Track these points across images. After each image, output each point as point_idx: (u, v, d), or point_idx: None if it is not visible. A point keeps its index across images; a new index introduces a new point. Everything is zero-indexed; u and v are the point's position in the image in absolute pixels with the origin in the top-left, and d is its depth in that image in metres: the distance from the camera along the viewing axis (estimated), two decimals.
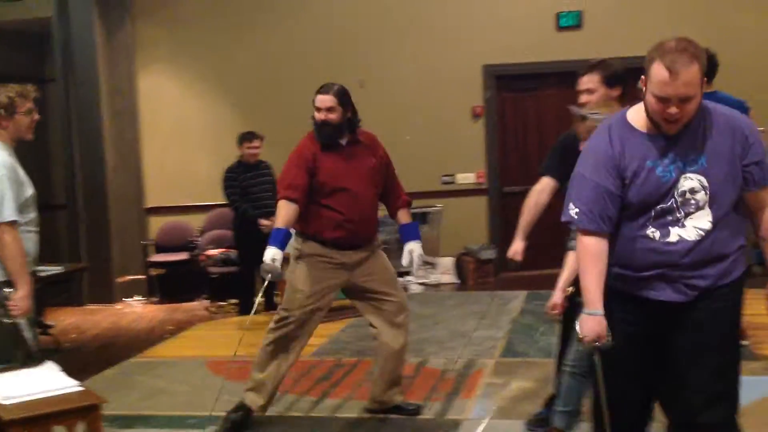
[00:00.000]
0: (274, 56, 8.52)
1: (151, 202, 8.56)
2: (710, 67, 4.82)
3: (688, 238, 2.49)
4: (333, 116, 4.00)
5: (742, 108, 4.87)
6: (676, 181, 2.47)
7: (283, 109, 8.44)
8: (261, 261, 7.14)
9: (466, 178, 8.53)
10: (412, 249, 4.16)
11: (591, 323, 2.55)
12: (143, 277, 8.11)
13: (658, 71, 2.38)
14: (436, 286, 8.05)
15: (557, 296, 3.48)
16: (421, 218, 7.99)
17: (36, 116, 3.61)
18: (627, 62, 3.80)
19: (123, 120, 8.35)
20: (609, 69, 3.61)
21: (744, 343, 4.99)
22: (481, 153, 8.54)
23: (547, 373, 4.50)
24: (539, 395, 4.25)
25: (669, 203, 2.48)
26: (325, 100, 4.00)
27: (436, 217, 8.18)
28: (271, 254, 3.83)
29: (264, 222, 6.71)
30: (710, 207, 2.47)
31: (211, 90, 8.61)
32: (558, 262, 3.61)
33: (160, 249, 8.21)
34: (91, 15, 8.16)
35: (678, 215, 2.49)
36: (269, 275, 3.84)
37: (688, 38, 2.44)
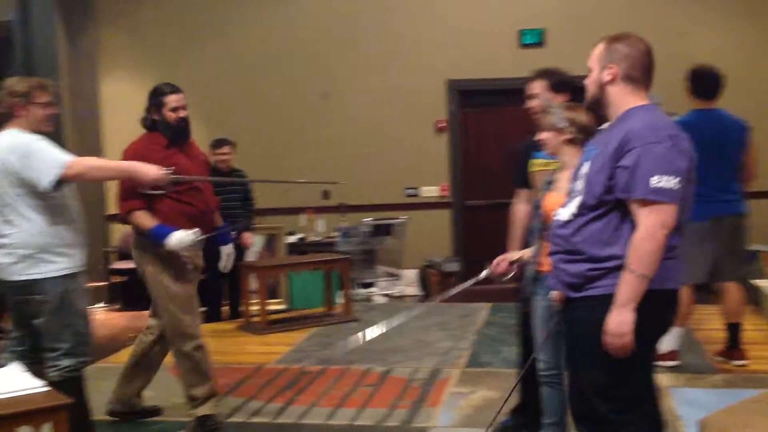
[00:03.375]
0: (238, 65, 8.51)
1: (113, 208, 8.45)
2: (708, 84, 4.91)
3: (563, 218, 2.61)
4: (187, 113, 4.15)
5: (741, 128, 4.94)
6: (583, 164, 2.63)
7: (248, 117, 8.43)
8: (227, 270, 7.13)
9: (429, 191, 8.60)
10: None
11: None
12: (105, 284, 8.00)
13: None
14: (400, 297, 8.07)
15: None
16: (384, 230, 8.03)
17: (52, 110, 3.60)
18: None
19: (85, 126, 8.24)
20: (555, 76, 3.72)
21: (671, 364, 4.98)
22: (444, 166, 8.61)
23: (512, 382, 4.54)
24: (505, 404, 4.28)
25: (574, 184, 2.64)
26: (181, 98, 4.12)
27: (400, 229, 8.21)
28: (178, 236, 3.91)
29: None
30: (582, 194, 2.56)
31: None
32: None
33: (123, 256, 8.11)
34: (52, 19, 8.05)
35: (571, 197, 2.63)
36: (185, 249, 3.94)
37: (628, 33, 2.65)
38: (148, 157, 3.89)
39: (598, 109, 2.69)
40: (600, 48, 2.63)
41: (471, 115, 8.77)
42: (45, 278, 3.44)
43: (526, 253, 3.42)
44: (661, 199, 2.39)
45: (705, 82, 4.96)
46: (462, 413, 4.35)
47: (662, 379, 4.70)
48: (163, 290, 4.02)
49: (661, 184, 2.39)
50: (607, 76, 2.58)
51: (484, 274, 3.39)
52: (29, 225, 3.42)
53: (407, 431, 4.13)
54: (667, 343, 4.83)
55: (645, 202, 2.40)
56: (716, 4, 8.46)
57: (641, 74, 2.58)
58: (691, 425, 3.85)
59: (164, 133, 4.08)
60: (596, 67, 2.62)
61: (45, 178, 3.36)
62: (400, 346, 5.86)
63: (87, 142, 8.21)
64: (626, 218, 2.48)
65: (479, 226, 8.23)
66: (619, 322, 2.42)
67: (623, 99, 2.57)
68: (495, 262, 3.35)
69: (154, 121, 4.10)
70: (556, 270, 2.65)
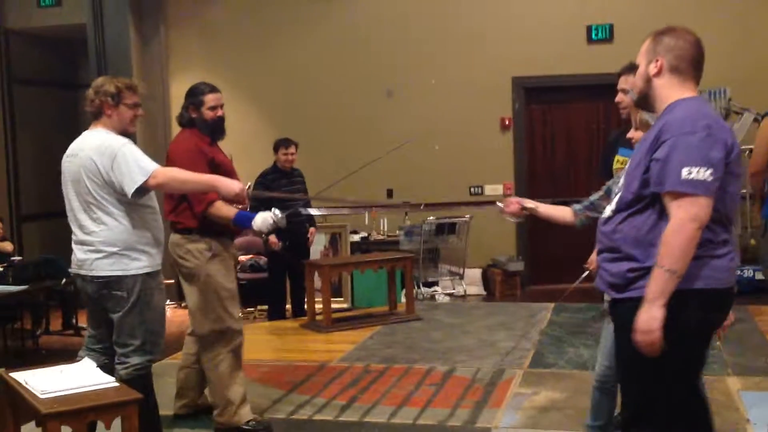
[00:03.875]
0: (304, 65, 8.60)
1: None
2: None
3: (605, 214, 2.62)
4: (223, 112, 4.17)
5: None
6: (628, 162, 2.65)
7: (312, 117, 8.52)
8: (291, 267, 7.14)
9: (494, 190, 8.54)
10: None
11: None
12: (172, 282, 8.15)
13: None
14: (463, 296, 8.04)
15: None
16: (449, 228, 8.01)
17: (140, 111, 3.67)
18: None
19: (155, 126, 8.45)
20: None
21: None
22: (509, 164, 8.55)
23: (576, 384, 4.49)
24: (569, 406, 4.23)
25: (620, 182, 2.65)
26: (220, 97, 4.14)
27: (463, 228, 8.18)
28: (263, 216, 3.88)
29: (273, 240, 6.63)
30: (621, 189, 2.57)
31: (242, 97, 8.70)
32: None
33: None
34: (126, 22, 8.29)
35: (614, 193, 2.67)
36: (270, 228, 3.90)
37: (675, 26, 2.61)
38: (201, 151, 3.99)
39: (646, 105, 2.61)
40: (647, 43, 2.57)
41: (537, 112, 8.69)
42: (128, 275, 3.52)
43: (543, 206, 3.33)
44: (692, 191, 2.31)
45: None
46: (525, 414, 4.31)
47: (733, 383, 4.59)
48: (213, 287, 4.03)
49: (692, 176, 2.30)
50: (653, 69, 2.52)
51: (496, 206, 3.41)
52: (116, 223, 3.51)
53: None
54: None
55: (676, 195, 2.33)
56: None
57: (688, 65, 2.51)
58: (762, 428, 3.77)
59: (202, 130, 4.11)
60: (643, 62, 2.56)
61: (129, 185, 3.43)
62: (464, 346, 5.85)
63: (157, 142, 8.42)
64: (664, 215, 2.40)
65: (544, 226, 8.08)
66: (647, 318, 2.33)
67: (669, 91, 2.50)
68: (508, 200, 3.34)
69: (192, 119, 4.13)
70: (600, 269, 2.60)
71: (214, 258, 4.05)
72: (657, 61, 2.51)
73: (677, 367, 2.44)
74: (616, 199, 2.59)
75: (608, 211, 2.61)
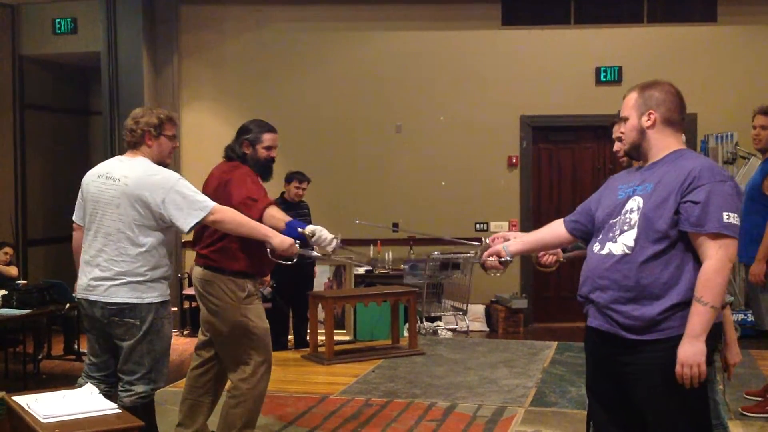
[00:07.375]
0: (313, 99, 8.67)
1: (187, 236, 8.66)
2: None
3: (615, 252, 2.63)
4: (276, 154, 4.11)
5: None
6: (626, 200, 2.68)
7: (321, 150, 8.58)
8: (294, 298, 7.14)
9: (499, 227, 8.55)
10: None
11: None
12: (176, 309, 8.17)
13: None
14: (466, 332, 8.03)
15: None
16: (453, 264, 8.02)
17: (177, 144, 3.72)
18: None
19: None
20: None
21: None
22: (515, 202, 8.59)
23: (577, 424, 4.47)
24: None
25: (616, 219, 2.68)
26: (276, 138, 4.06)
27: (467, 264, 8.18)
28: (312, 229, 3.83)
29: (266, 279, 6.61)
30: (637, 227, 2.60)
31: None
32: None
33: None
34: (139, 51, 8.40)
35: (615, 231, 2.66)
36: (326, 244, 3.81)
37: (657, 80, 2.75)
38: (255, 176, 3.94)
39: (638, 154, 2.76)
40: (633, 96, 2.73)
41: (544, 151, 8.75)
42: (143, 303, 3.53)
43: (531, 237, 3.20)
44: (731, 233, 2.51)
45: None
46: None
47: (735, 428, 4.56)
48: (244, 327, 3.89)
49: (731, 220, 2.51)
50: (647, 122, 2.68)
51: (474, 256, 3.27)
52: (140, 254, 3.51)
53: None
54: None
55: (717, 236, 2.50)
56: None
57: (678, 117, 2.70)
58: None
59: (253, 168, 3.98)
60: (633, 114, 2.71)
61: (187, 219, 3.46)
62: (466, 382, 5.83)
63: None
64: (687, 255, 2.55)
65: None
66: (695, 352, 2.48)
67: (665, 141, 2.69)
68: (488, 252, 3.10)
69: (245, 154, 3.99)
70: (607, 310, 2.62)
71: (248, 298, 3.92)
72: (650, 114, 2.68)
73: (705, 399, 2.63)
74: (627, 237, 2.61)
75: (619, 248, 2.62)
